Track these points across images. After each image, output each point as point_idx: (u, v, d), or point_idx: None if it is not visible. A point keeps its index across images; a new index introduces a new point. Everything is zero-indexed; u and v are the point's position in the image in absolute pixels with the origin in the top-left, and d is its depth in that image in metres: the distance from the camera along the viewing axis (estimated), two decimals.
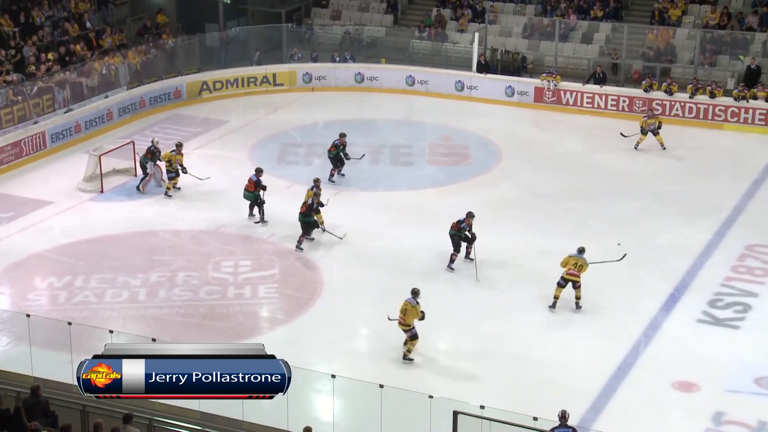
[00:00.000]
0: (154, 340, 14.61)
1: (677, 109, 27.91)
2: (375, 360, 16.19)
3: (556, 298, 17.60)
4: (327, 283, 18.61)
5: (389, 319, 16.15)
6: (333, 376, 14.30)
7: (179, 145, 22.88)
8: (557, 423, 12.55)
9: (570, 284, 17.47)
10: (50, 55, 27.56)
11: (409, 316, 15.81)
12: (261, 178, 21.11)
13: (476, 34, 30.58)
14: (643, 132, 25.62)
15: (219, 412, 13.72)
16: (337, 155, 23.34)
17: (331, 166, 23.48)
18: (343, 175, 23.60)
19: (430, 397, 13.04)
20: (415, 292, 15.95)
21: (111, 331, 15.11)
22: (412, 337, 15.98)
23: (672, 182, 23.82)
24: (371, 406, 13.59)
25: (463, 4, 33.56)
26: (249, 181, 21.11)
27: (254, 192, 21.06)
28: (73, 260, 19.55)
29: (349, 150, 23.41)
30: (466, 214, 19.08)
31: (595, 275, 18.90)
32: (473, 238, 19.13)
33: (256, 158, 25.16)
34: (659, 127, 25.59)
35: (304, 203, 20.03)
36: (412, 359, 16.07)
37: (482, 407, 12.70)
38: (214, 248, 20.13)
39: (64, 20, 29.46)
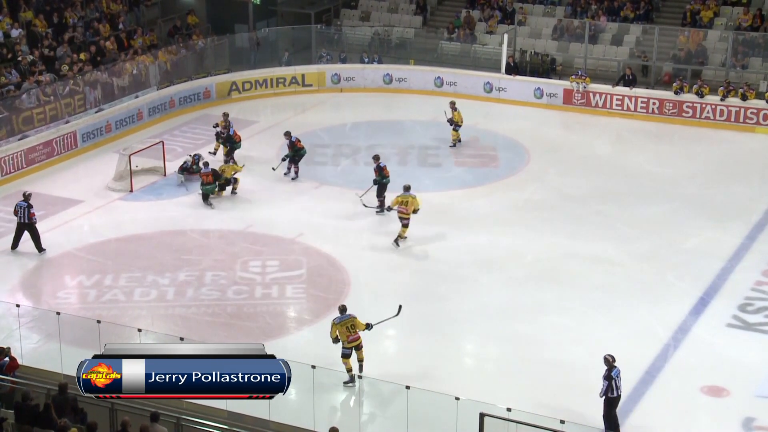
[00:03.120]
0: (182, 339, 14.72)
1: (708, 112, 27.67)
2: (401, 361, 16.17)
3: (349, 371, 15.03)
4: (354, 284, 18.61)
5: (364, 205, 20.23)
6: (360, 377, 14.32)
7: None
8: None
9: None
10: (82, 56, 27.81)
11: (411, 206, 19.33)
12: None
13: (505, 36, 30.49)
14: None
15: (246, 412, 13.78)
16: None
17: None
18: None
19: (457, 398, 13.01)
20: (406, 188, 19.57)
21: (139, 330, 15.24)
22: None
23: (702, 185, 23.61)
24: (397, 407, 13.60)
25: (493, 6, 33.47)
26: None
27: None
28: (102, 259, 19.70)
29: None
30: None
31: (623, 278, 18.86)
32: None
33: None
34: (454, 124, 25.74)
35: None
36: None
37: (509, 409, 12.69)
38: (242, 248, 20.21)
39: (96, 21, 29.71)
